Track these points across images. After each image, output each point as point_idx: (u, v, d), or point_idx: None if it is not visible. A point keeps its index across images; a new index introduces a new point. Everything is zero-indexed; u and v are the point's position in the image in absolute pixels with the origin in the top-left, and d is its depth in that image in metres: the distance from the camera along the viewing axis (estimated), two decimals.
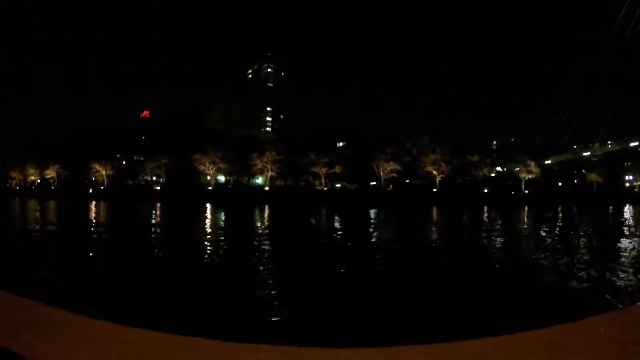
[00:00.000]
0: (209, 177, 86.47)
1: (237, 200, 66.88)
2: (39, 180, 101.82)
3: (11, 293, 1.87)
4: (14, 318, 1.65)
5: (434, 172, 78.82)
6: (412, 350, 1.42)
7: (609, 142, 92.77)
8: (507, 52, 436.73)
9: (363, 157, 77.97)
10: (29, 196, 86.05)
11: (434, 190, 78.48)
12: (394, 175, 77.47)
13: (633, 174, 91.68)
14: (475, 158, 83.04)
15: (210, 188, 79.55)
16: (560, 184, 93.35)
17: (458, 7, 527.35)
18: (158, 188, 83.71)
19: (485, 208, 57.49)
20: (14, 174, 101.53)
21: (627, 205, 65.19)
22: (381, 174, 77.73)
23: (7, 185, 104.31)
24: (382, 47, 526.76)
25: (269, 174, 76.89)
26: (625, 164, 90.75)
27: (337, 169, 76.20)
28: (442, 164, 78.22)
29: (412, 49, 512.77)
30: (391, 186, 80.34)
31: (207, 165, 78.70)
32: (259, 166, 76.50)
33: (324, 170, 75.78)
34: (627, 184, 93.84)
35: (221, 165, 78.54)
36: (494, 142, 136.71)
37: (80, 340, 1.48)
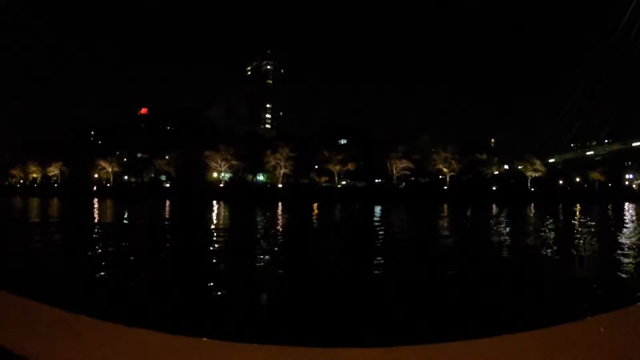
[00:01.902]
0: (214, 174, 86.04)
1: (251, 198, 66.49)
2: (36, 177, 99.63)
3: (11, 293, 1.84)
4: (14, 318, 1.64)
5: (445, 170, 79.94)
6: (412, 350, 1.41)
7: (606, 141, 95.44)
8: (509, 50, 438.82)
9: (376, 155, 78.61)
10: (30, 194, 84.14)
11: (445, 187, 79.60)
12: (407, 172, 78.37)
13: (633, 173, 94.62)
14: (484, 156, 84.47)
15: (221, 185, 79.12)
16: (561, 182, 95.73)
17: (461, 5, 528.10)
18: (168, 185, 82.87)
19: (494, 205, 58.75)
20: (14, 172, 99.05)
21: (627, 203, 67.18)
22: (394, 171, 78.51)
23: (7, 183, 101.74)
24: (381, 46, 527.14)
25: (282, 171, 76.82)
26: (626, 163, 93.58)
27: (351, 166, 76.53)
28: (453, 161, 79.39)
29: (412, 47, 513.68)
30: (404, 183, 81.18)
31: (219, 162, 78.14)
32: (272, 163, 76.39)
33: (337, 167, 76.16)
34: (627, 182, 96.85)
35: (233, 162, 78.08)
36: (492, 140, 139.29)
37: (80, 340, 1.47)
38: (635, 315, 1.81)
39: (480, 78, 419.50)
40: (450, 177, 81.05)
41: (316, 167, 77.92)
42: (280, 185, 76.92)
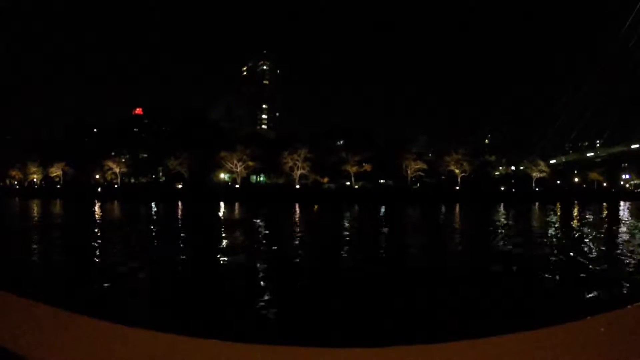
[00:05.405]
0: (222, 175, 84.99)
1: (269, 199, 65.71)
2: (36, 179, 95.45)
3: (11, 293, 1.85)
4: (14, 318, 1.64)
5: (457, 171, 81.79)
6: (412, 350, 1.43)
7: (598, 142, 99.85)
8: (512, 50, 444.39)
9: (390, 156, 79.67)
10: (31, 196, 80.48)
11: (457, 188, 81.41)
12: (421, 173, 79.80)
13: (629, 173, 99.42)
14: (493, 158, 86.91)
15: (237, 186, 78.21)
16: (558, 182, 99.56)
17: (462, 5, 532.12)
18: (180, 186, 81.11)
19: (502, 205, 60.84)
20: (13, 173, 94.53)
21: (624, 203, 70.86)
22: (408, 172, 79.75)
23: (1, 184, 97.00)
24: (380, 46, 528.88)
25: (299, 171, 76.59)
26: (623, 164, 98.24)
27: (367, 167, 77.13)
28: (464, 163, 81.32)
29: (411, 48, 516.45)
30: (418, 184, 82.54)
31: (235, 162, 77.15)
32: (290, 164, 76.06)
33: (354, 168, 76.68)
34: (622, 182, 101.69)
35: (250, 163, 77.26)
36: (486, 140, 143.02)
37: (80, 340, 1.48)
38: (635, 315, 1.82)
39: (483, 79, 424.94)
40: (461, 177, 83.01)
41: (340, 167, 77.95)
42: (297, 187, 76.71)
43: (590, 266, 12.96)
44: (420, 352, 1.43)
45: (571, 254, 15.50)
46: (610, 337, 1.50)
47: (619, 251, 16.25)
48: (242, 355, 1.43)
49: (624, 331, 1.54)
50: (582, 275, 11.60)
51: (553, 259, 14.76)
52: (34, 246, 17.71)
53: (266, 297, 9.27)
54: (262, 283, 10.81)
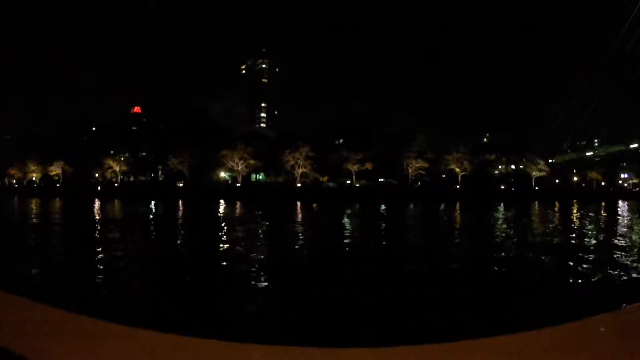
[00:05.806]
0: (222, 174, 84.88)
1: (270, 197, 65.52)
2: (35, 178, 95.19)
3: (11, 293, 1.86)
4: (14, 318, 1.65)
5: (457, 170, 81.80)
6: (412, 350, 1.43)
7: (597, 141, 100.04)
8: (512, 50, 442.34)
9: (390, 154, 79.64)
10: (31, 195, 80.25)
11: (457, 187, 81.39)
12: (421, 172, 79.79)
13: (628, 173, 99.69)
14: (493, 157, 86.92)
15: (238, 184, 78.14)
16: (557, 180, 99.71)
17: (462, 5, 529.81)
18: (180, 185, 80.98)
19: (502, 204, 60.94)
20: (12, 171, 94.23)
21: (623, 202, 71.10)
22: (409, 171, 79.70)
23: (0, 183, 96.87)
24: (378, 45, 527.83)
25: (301, 170, 76.51)
26: (622, 163, 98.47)
27: (368, 166, 77.05)
28: (465, 161, 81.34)
29: (410, 47, 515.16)
30: (419, 183, 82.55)
31: (236, 161, 77.02)
32: (291, 162, 75.94)
33: (356, 167, 76.61)
34: (621, 181, 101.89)
35: (251, 162, 77.14)
36: (485, 139, 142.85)
37: (80, 340, 1.49)
38: (635, 315, 1.82)
39: (483, 78, 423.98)
40: (462, 176, 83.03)
41: (342, 166, 77.89)
42: (299, 185, 76.65)
43: (589, 266, 12.94)
44: (420, 352, 1.42)
45: (569, 253, 15.54)
46: (610, 337, 1.50)
47: (617, 250, 16.24)
48: (242, 355, 1.43)
49: (624, 331, 1.54)
50: (579, 275, 11.57)
51: (552, 258, 14.78)
52: (33, 246, 17.68)
53: (265, 297, 9.27)
54: (261, 282, 10.75)
